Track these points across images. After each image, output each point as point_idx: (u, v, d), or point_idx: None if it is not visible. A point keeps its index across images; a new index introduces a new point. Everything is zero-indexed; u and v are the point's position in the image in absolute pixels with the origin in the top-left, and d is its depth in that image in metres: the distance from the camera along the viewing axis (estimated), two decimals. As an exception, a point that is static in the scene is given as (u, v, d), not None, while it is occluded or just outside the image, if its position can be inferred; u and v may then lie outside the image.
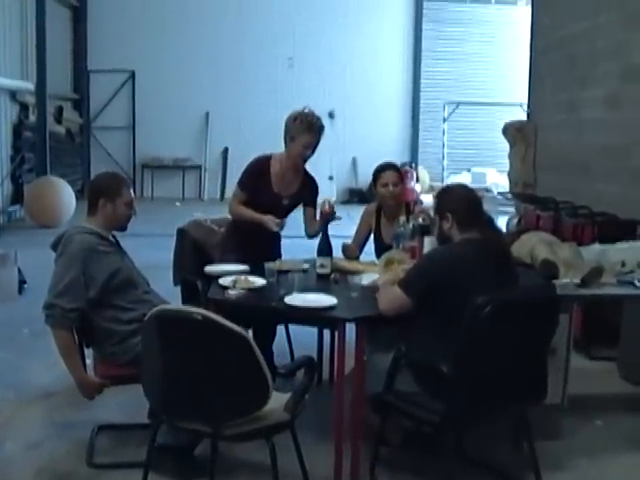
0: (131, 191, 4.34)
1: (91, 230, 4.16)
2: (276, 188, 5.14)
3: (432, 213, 4.32)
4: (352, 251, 5.30)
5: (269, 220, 4.96)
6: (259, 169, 5.15)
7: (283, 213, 5.12)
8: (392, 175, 5.24)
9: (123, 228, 4.33)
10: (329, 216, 4.92)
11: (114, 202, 4.20)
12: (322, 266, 4.67)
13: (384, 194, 5.26)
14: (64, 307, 3.93)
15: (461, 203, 3.87)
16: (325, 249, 4.70)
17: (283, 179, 5.16)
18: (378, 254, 5.09)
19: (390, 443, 4.17)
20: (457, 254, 3.75)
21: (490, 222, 3.98)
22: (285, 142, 5.11)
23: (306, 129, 4.99)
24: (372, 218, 5.41)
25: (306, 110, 5.08)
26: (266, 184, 5.11)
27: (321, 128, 5.07)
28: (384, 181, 5.23)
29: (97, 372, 4.14)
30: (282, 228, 5.02)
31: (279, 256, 5.21)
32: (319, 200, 5.23)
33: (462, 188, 4.12)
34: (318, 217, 5.14)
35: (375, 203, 5.48)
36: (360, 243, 5.47)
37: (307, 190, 5.27)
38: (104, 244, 4.16)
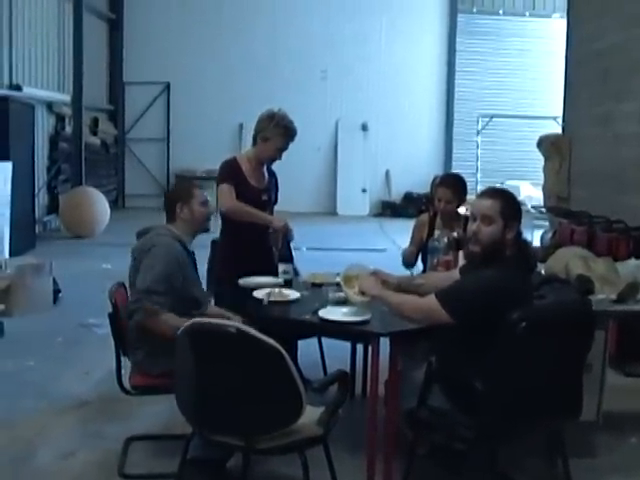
0: (203, 191, 4.39)
1: (177, 236, 4.23)
2: (254, 183, 5.10)
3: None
4: (411, 255, 5.37)
5: (275, 219, 4.97)
6: (233, 169, 5.08)
7: (265, 211, 5.10)
8: (444, 192, 5.19)
9: (206, 229, 4.42)
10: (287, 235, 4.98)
11: (189, 204, 4.28)
12: (285, 272, 4.76)
13: (437, 207, 5.26)
14: (153, 300, 3.94)
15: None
16: (286, 255, 4.86)
17: (254, 175, 5.12)
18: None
19: (416, 453, 4.13)
20: (515, 287, 3.52)
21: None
22: (255, 140, 5.07)
23: (283, 133, 4.98)
24: (424, 228, 5.38)
25: (281, 112, 5.05)
26: (245, 181, 5.05)
27: (295, 133, 5.04)
28: (438, 196, 5.23)
29: (132, 381, 4.14)
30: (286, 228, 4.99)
31: (274, 265, 5.00)
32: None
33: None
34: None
35: (427, 213, 5.48)
36: (418, 249, 5.41)
37: (272, 182, 5.28)
38: (184, 255, 4.20)
